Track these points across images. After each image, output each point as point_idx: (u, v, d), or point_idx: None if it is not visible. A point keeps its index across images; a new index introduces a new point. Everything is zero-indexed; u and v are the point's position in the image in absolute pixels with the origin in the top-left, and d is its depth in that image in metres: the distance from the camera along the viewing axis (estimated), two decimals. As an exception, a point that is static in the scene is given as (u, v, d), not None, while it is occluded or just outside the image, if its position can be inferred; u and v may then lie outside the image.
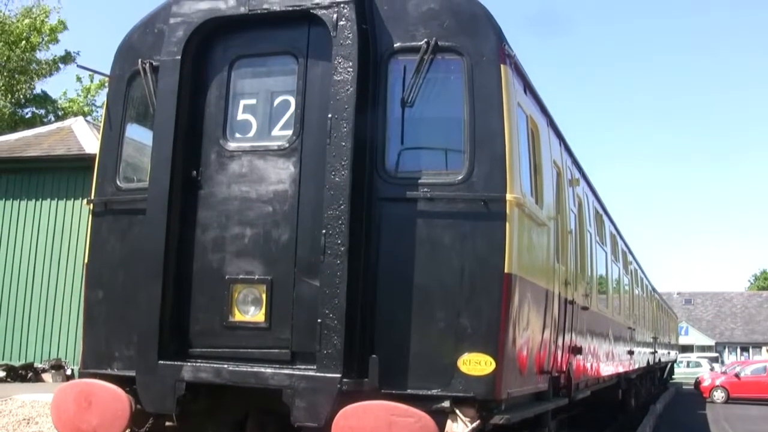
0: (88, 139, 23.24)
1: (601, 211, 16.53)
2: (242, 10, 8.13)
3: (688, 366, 63.23)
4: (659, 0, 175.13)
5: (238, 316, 7.91)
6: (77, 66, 44.09)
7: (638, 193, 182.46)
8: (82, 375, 8.62)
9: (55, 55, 48.27)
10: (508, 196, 7.40)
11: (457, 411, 7.20)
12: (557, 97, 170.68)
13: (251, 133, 8.26)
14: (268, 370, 7.50)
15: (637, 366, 23.14)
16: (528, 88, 8.89)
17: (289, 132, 8.00)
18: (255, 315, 7.85)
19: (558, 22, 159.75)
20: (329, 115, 7.58)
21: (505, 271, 7.32)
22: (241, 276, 7.91)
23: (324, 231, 7.41)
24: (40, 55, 47.77)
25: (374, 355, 7.36)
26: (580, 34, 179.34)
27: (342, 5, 7.73)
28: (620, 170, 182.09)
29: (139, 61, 8.63)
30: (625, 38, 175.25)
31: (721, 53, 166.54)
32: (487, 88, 7.61)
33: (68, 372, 21.12)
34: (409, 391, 7.31)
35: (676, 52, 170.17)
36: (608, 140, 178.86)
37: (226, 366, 7.67)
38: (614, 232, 19.41)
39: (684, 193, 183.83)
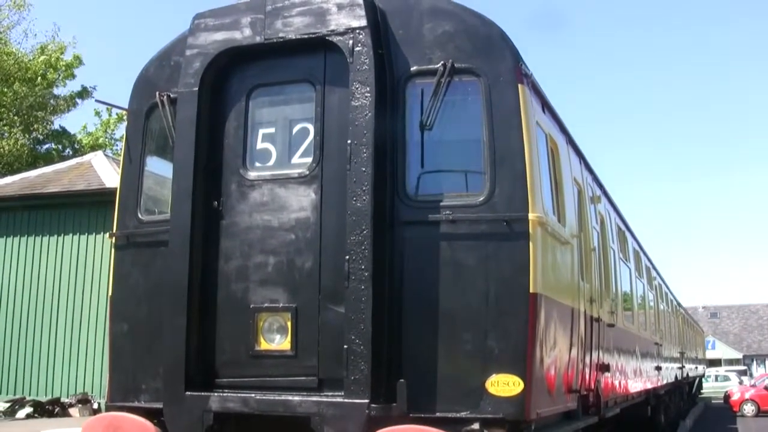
0: (107, 173, 23.39)
1: (623, 228, 16.47)
2: (258, 39, 8.17)
3: (716, 380, 62.81)
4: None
5: (264, 345, 7.89)
6: (95, 101, 44.31)
7: (659, 207, 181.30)
8: (109, 408, 8.65)
9: (72, 91, 48.66)
10: (531, 216, 7.36)
11: (487, 433, 7.15)
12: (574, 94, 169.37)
13: (271, 162, 8.27)
14: (296, 398, 7.46)
15: (665, 382, 22.93)
16: (546, 106, 8.87)
17: (309, 159, 8.00)
18: (281, 343, 7.83)
19: (560, 19, 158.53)
20: (349, 141, 7.58)
21: (531, 290, 7.28)
22: (265, 305, 7.90)
23: (347, 257, 7.39)
24: (57, 91, 48.19)
25: (402, 380, 7.31)
26: (581, 33, 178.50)
27: (357, 31, 7.75)
28: (641, 185, 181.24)
29: (157, 93, 8.67)
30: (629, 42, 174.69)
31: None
32: (505, 109, 7.59)
33: (95, 406, 21.10)
34: (437, 414, 7.25)
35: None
36: (629, 157, 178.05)
37: (253, 395, 7.64)
38: (637, 248, 19.33)
39: (706, 205, 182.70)
